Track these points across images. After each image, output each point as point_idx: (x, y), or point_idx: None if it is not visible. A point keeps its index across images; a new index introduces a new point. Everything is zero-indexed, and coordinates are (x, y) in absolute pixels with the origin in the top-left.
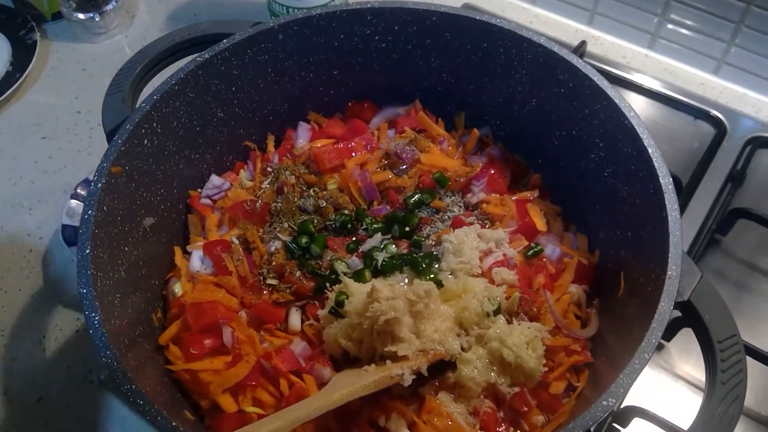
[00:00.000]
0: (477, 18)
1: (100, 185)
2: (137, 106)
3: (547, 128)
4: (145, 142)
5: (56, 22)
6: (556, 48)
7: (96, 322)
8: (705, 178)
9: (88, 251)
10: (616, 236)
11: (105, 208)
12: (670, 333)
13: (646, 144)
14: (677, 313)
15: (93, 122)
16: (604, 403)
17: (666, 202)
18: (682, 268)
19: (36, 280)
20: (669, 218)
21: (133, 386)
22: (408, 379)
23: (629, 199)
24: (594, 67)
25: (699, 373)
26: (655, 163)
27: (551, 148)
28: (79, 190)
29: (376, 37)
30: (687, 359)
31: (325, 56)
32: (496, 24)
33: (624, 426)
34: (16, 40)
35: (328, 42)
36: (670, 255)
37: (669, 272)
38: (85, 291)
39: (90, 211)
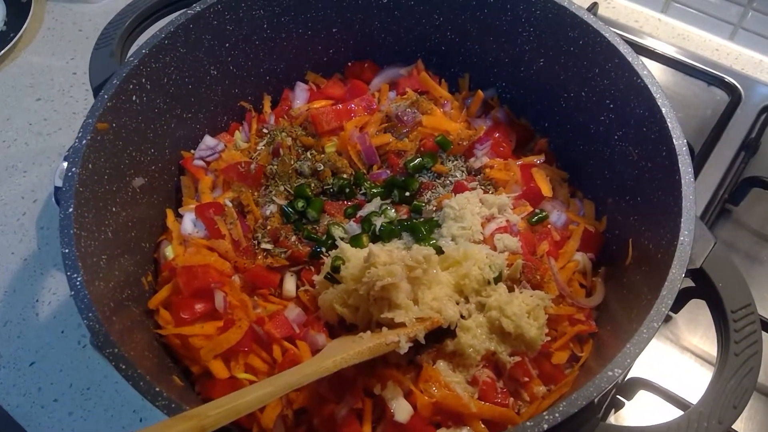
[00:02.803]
0: None
1: (84, 142)
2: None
3: (555, 90)
4: (134, 98)
5: None
6: (566, 3)
7: (78, 283)
8: (718, 146)
9: (71, 210)
10: (624, 202)
11: (90, 166)
12: (678, 304)
13: (659, 104)
14: (687, 283)
15: (89, 84)
16: (610, 373)
17: (679, 165)
18: (695, 233)
19: (30, 244)
20: (682, 181)
21: (116, 349)
22: (404, 347)
23: (640, 163)
24: None
25: (707, 346)
26: (669, 124)
27: (559, 111)
28: None
29: None
30: (695, 331)
31: (324, 12)
32: None
33: (629, 398)
34: None
35: None
36: (682, 220)
37: (681, 238)
38: (67, 251)
39: (74, 169)
